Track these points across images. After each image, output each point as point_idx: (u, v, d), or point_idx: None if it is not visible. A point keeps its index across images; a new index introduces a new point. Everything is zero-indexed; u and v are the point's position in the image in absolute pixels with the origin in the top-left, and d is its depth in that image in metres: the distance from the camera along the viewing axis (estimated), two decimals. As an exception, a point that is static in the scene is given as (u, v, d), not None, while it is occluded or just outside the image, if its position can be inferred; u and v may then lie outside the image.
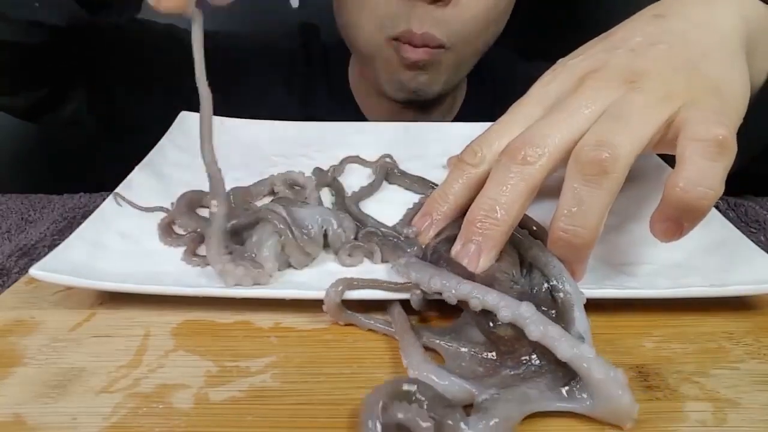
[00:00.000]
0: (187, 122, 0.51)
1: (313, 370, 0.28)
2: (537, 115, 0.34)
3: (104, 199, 0.39)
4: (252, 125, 0.53)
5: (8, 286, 0.34)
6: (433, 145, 0.50)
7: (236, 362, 0.28)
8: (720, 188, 0.28)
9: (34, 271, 0.31)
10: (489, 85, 0.69)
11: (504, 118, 0.36)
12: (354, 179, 0.46)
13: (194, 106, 0.33)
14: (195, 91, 0.32)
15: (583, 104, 0.31)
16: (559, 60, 0.37)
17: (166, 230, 0.38)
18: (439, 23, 0.54)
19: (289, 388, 0.27)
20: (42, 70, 0.56)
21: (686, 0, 0.37)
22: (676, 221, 0.30)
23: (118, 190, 0.40)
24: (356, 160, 0.48)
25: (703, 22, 0.35)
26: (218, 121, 0.52)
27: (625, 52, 0.34)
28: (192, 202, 0.40)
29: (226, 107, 0.58)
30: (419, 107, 0.64)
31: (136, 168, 0.43)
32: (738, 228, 0.36)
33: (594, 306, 0.31)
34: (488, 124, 0.53)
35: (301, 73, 0.68)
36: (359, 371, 0.28)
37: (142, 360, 0.28)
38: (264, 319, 0.31)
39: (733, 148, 0.28)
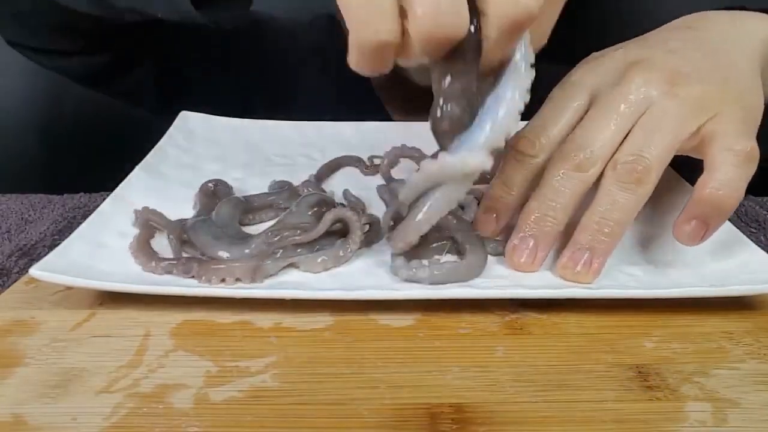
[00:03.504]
0: (187, 122, 0.51)
1: (313, 370, 0.28)
2: (583, 101, 0.35)
3: (104, 199, 0.39)
4: (252, 125, 0.53)
5: (8, 286, 0.34)
6: (433, 145, 0.50)
7: (236, 362, 0.28)
8: (743, 192, 0.32)
9: (34, 271, 0.31)
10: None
11: (553, 105, 0.36)
12: (352, 180, 0.46)
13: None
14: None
15: (628, 104, 0.33)
16: (593, 54, 0.38)
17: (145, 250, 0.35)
18: None
19: (289, 388, 0.27)
20: (107, 40, 0.56)
21: (713, 17, 0.39)
22: (704, 221, 0.32)
23: (118, 190, 0.40)
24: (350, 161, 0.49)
25: (730, 38, 0.37)
26: (218, 121, 0.53)
27: (663, 52, 0.35)
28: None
29: (265, 97, 0.58)
30: None
31: (136, 168, 0.43)
32: (738, 228, 0.36)
33: (594, 306, 0.31)
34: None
35: (334, 64, 0.68)
36: (359, 371, 0.28)
37: (142, 360, 0.28)
38: (264, 319, 0.31)
39: (757, 159, 0.32)
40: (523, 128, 0.36)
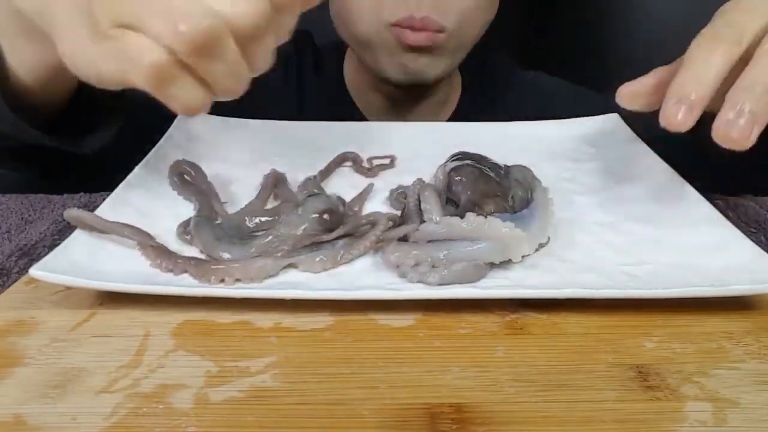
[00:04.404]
0: (187, 122, 0.51)
1: (313, 370, 0.28)
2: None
3: (104, 199, 0.39)
4: (252, 125, 0.53)
5: (8, 286, 0.34)
6: (432, 145, 0.50)
7: (236, 362, 0.28)
8: None
9: (34, 271, 0.31)
10: (486, 88, 0.70)
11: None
12: (354, 180, 0.46)
13: None
14: None
15: None
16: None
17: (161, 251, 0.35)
18: (437, 7, 0.55)
19: (289, 388, 0.27)
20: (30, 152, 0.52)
21: None
22: None
23: (118, 190, 0.40)
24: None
25: None
26: (218, 121, 0.53)
27: None
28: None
29: (222, 108, 0.58)
30: (415, 98, 0.65)
31: (136, 168, 0.43)
32: (738, 228, 0.36)
33: (594, 306, 0.31)
34: (487, 124, 0.54)
35: (295, 76, 0.69)
36: (359, 371, 0.28)
37: (142, 360, 0.28)
38: (264, 319, 0.31)
39: None
40: (708, 30, 0.35)
